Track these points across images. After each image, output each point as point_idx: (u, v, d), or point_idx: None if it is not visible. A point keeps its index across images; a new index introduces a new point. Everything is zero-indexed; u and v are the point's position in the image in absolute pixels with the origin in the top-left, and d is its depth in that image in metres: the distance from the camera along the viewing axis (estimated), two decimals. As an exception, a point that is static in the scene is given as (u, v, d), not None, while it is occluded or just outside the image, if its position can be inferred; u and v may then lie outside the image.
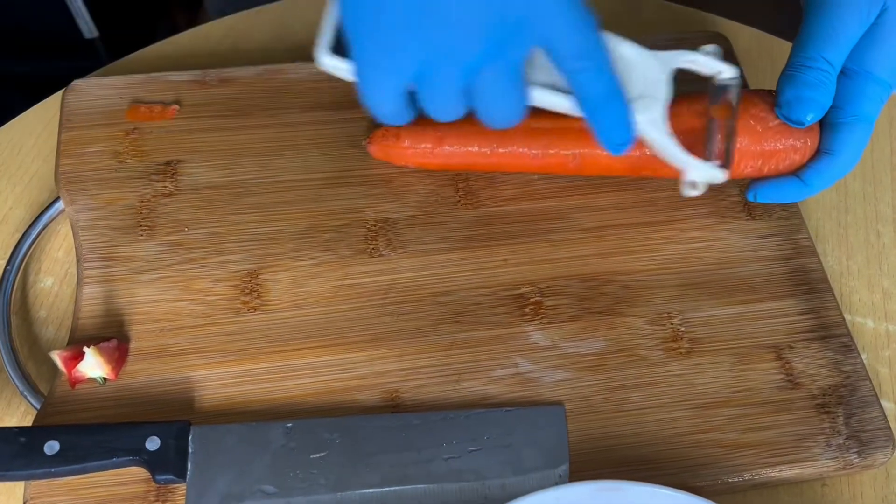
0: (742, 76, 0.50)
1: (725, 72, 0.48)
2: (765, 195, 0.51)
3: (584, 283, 0.51)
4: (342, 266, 0.51)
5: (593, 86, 0.44)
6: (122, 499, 0.44)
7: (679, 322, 0.50)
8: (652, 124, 0.46)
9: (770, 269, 0.52)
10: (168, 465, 0.43)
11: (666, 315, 0.50)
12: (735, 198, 0.54)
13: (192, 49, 0.63)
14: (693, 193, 0.48)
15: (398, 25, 0.41)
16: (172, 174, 0.54)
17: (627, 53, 0.47)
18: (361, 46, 0.43)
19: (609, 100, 0.45)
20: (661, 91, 0.47)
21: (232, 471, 0.44)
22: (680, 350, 0.49)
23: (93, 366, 0.46)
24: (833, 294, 0.51)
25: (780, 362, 0.49)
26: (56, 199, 0.54)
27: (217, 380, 0.47)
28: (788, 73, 0.48)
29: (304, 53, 0.61)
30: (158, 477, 0.43)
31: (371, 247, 0.52)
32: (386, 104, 0.44)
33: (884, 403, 0.48)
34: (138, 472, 0.44)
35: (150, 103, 0.57)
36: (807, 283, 0.52)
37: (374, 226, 0.53)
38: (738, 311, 0.50)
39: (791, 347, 0.49)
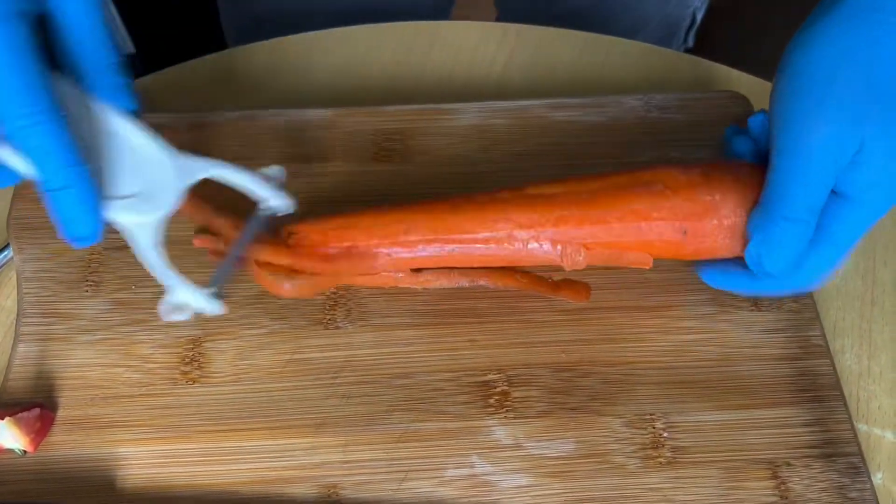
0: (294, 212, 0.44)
1: (273, 201, 0.43)
2: (711, 278, 0.46)
3: (558, 373, 0.46)
4: (294, 338, 0.47)
5: (43, 154, 0.36)
6: None
7: (662, 426, 0.44)
8: (141, 229, 0.40)
9: (772, 371, 0.46)
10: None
11: (648, 417, 0.44)
12: (740, 283, 0.48)
13: (175, 86, 0.60)
14: (175, 318, 0.41)
15: None
16: (128, 225, 0.51)
17: (143, 146, 0.41)
18: None
19: (64, 179, 0.37)
20: (168, 198, 0.40)
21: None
22: (660, 459, 0.43)
23: (8, 438, 0.42)
24: (845, 404, 0.45)
25: (776, 481, 0.43)
26: (7, 245, 0.51)
27: (144, 458, 0.44)
28: (758, 223, 0.41)
29: (287, 98, 0.59)
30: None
31: (328, 317, 0.48)
32: None
33: (895, 538, 0.42)
34: None
35: (114, 146, 0.53)
36: (814, 388, 0.45)
37: (335, 293, 0.48)
38: (730, 417, 0.44)
39: (789, 464, 0.43)
